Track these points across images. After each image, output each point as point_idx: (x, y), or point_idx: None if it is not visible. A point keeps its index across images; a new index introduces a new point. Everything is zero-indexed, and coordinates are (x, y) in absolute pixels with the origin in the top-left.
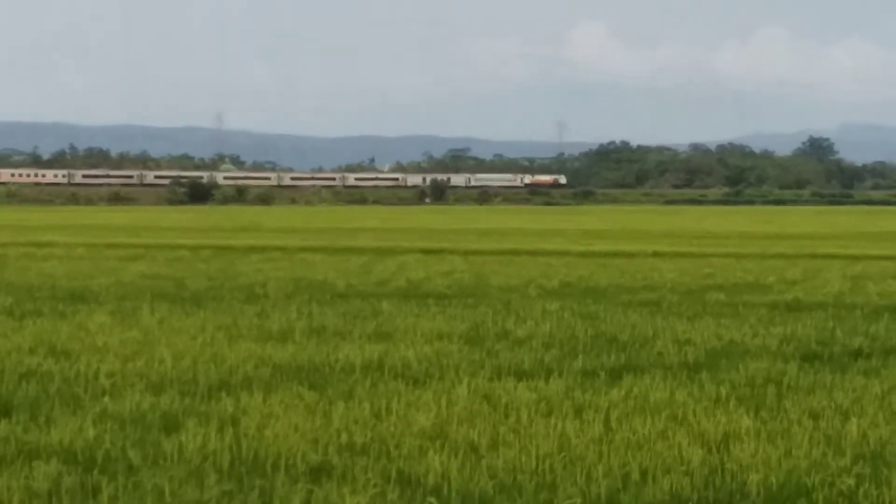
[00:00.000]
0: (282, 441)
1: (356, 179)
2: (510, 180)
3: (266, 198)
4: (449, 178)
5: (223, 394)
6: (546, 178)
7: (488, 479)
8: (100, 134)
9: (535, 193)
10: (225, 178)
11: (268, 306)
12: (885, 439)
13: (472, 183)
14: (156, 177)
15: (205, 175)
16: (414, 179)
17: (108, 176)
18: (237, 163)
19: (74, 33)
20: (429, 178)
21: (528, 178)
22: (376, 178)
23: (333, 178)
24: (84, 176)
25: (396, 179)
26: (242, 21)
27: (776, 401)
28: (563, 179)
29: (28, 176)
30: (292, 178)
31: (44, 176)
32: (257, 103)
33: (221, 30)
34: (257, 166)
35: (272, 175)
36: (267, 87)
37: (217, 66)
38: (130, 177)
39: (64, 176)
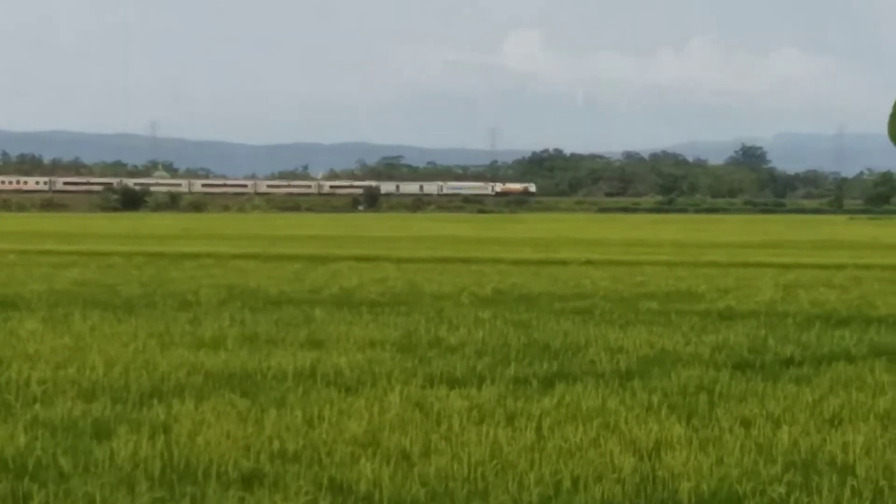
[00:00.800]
0: (213, 448)
1: (268, 186)
2: (481, 188)
3: (199, 205)
4: (422, 186)
5: (155, 401)
6: (516, 186)
7: (420, 486)
8: (31, 140)
9: (467, 201)
10: (136, 184)
11: (200, 313)
12: (817, 447)
13: (445, 191)
14: (136, 184)
15: (114, 182)
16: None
17: (88, 183)
18: (171, 170)
19: (4, 38)
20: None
21: (499, 187)
22: (289, 186)
23: (245, 186)
24: (65, 183)
25: (288, 186)
26: (178, 28)
27: (708, 409)
28: (532, 188)
29: (10, 183)
30: (203, 185)
31: (26, 183)
32: (192, 111)
33: (157, 36)
34: (191, 173)
35: (183, 182)
36: (202, 95)
37: (152, 73)
38: (111, 184)
39: (45, 183)
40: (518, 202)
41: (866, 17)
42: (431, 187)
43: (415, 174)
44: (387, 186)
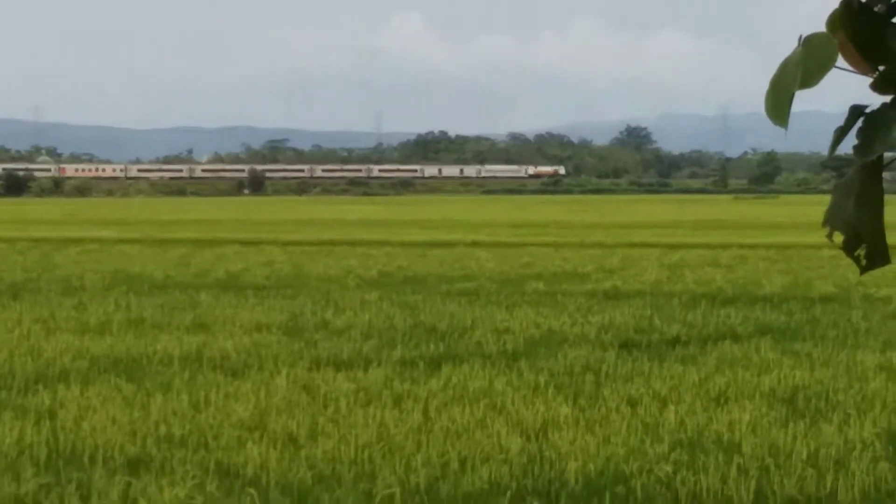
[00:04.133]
0: (99, 433)
1: (139, 171)
2: (515, 171)
3: (83, 190)
4: (462, 170)
5: (40, 387)
6: (548, 169)
7: (307, 469)
8: None
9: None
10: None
11: (85, 298)
12: (702, 426)
13: (483, 174)
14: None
15: None
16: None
17: (160, 170)
18: (54, 155)
19: None
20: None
21: (531, 170)
22: (152, 171)
23: (114, 170)
24: (139, 170)
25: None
26: (61, 11)
27: (594, 389)
28: (562, 170)
29: (89, 171)
30: (76, 171)
31: (103, 170)
32: (76, 95)
33: (40, 20)
34: (74, 158)
35: (52, 167)
36: (86, 80)
37: (34, 57)
38: (180, 170)
39: (122, 170)
40: (404, 184)
41: None
42: (471, 171)
43: (300, 157)
44: (430, 170)
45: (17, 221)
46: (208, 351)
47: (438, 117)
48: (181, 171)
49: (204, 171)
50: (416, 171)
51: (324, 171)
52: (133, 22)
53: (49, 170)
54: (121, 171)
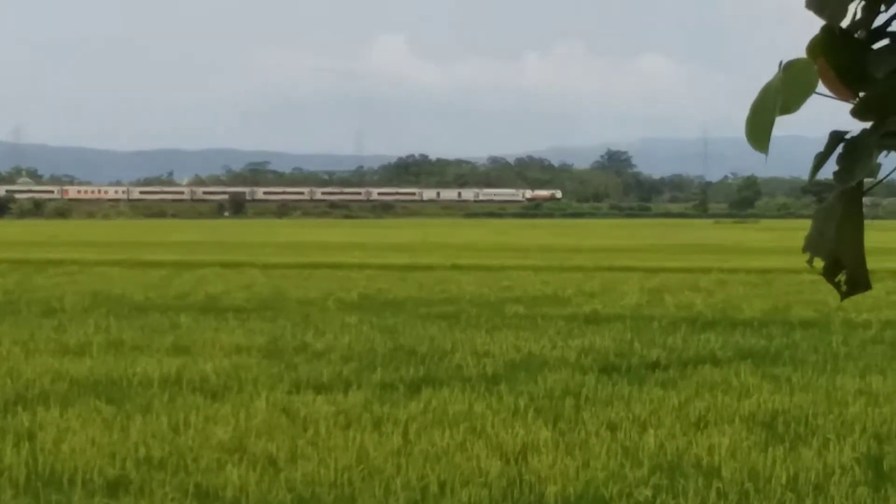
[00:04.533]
0: (79, 455)
1: (141, 193)
2: (513, 195)
3: (64, 211)
4: (460, 193)
5: (19, 408)
6: (544, 192)
7: (287, 492)
8: None
9: (335, 206)
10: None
11: (65, 320)
12: (682, 450)
13: (480, 198)
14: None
15: None
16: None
17: (162, 192)
18: (35, 176)
19: None
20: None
21: (528, 193)
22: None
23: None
24: (141, 192)
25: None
26: (40, 32)
27: (574, 412)
28: (558, 194)
29: (91, 193)
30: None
31: (105, 192)
32: (57, 117)
33: (19, 41)
34: (55, 180)
35: (55, 188)
36: (67, 101)
37: (15, 79)
38: (181, 192)
39: (124, 192)
40: (385, 207)
41: (729, 24)
42: (469, 194)
43: (281, 180)
44: (429, 193)
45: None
46: (188, 373)
47: (419, 140)
48: (182, 192)
49: (206, 192)
50: (413, 193)
51: (323, 193)
52: (114, 44)
53: (52, 191)
54: (123, 192)
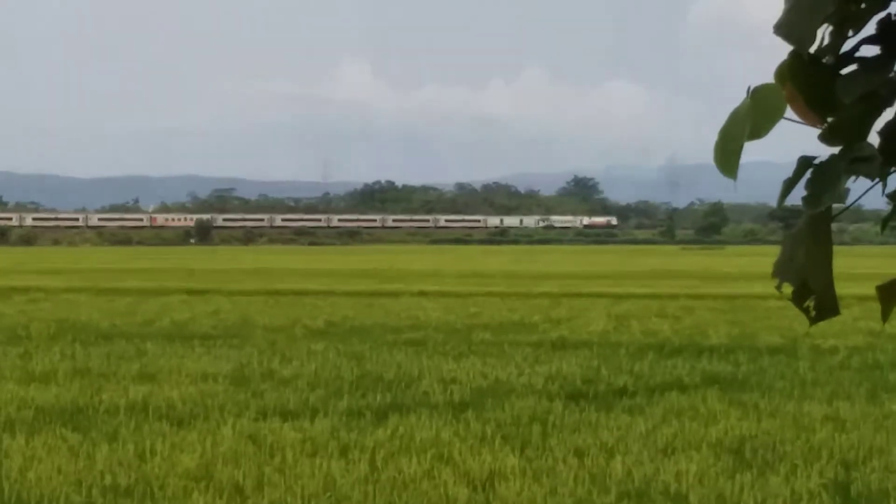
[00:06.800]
0: (45, 483)
1: (99, 220)
2: (571, 222)
3: (29, 239)
4: (521, 220)
5: None
6: (601, 219)
7: None
8: None
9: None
10: None
11: (31, 347)
12: (650, 476)
13: (541, 224)
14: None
15: None
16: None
17: (122, 219)
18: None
19: None
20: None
21: (586, 220)
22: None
23: (77, 219)
24: (100, 219)
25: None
26: (4, 60)
27: (541, 439)
28: (614, 220)
29: (50, 220)
30: (34, 219)
31: (65, 220)
32: (23, 145)
33: None
34: (20, 207)
35: (14, 216)
36: (31, 128)
37: None
38: (140, 219)
39: (83, 219)
40: (351, 234)
41: (694, 50)
42: (530, 221)
43: (247, 206)
44: (492, 220)
45: None
46: (154, 400)
47: (385, 167)
48: (142, 220)
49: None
50: (374, 220)
51: (283, 220)
52: (79, 71)
53: (11, 218)
54: (82, 219)
